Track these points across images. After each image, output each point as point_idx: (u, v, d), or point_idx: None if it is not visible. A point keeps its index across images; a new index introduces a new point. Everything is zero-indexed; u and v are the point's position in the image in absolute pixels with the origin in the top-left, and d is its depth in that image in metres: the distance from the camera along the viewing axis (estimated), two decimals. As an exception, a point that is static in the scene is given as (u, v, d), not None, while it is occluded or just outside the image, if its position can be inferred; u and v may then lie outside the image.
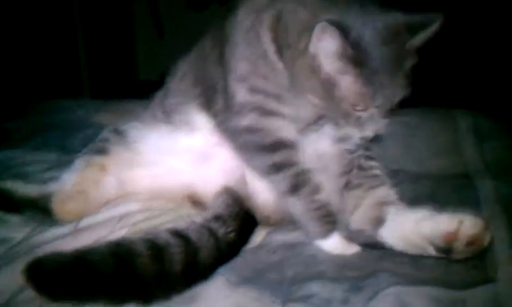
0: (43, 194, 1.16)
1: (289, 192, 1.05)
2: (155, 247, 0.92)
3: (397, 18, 0.98)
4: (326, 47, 0.94)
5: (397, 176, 1.28)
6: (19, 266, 0.88)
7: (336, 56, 0.94)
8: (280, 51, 1.05)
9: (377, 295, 0.88)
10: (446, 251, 0.93)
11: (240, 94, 1.07)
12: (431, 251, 0.95)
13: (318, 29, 0.92)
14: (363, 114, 0.99)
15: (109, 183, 1.21)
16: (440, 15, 0.99)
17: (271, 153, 1.06)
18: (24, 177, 1.35)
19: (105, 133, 1.29)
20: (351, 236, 1.05)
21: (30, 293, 0.85)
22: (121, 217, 1.17)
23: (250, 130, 1.07)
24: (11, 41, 2.80)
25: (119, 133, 1.26)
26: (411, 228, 0.97)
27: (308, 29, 0.97)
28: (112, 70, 3.89)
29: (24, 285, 0.85)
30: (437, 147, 1.43)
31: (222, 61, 1.11)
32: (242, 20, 1.08)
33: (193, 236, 0.98)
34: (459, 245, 0.92)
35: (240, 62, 1.07)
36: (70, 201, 1.15)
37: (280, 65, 1.05)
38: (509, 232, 1.03)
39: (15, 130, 1.71)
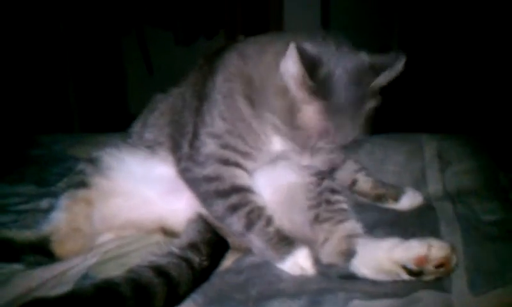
0: (41, 237, 1.17)
1: (245, 230, 1.11)
2: (140, 289, 0.96)
3: (363, 59, 1.06)
4: (290, 69, 1.01)
5: (362, 204, 1.34)
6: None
7: (299, 83, 1.01)
8: (254, 110, 1.14)
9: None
10: (418, 273, 0.99)
11: (210, 147, 1.15)
12: (404, 276, 1.00)
13: (289, 49, 0.99)
14: (322, 147, 1.07)
15: (97, 216, 1.24)
16: (402, 54, 1.06)
17: (227, 197, 1.13)
18: (1, 209, 1.40)
19: (80, 166, 1.33)
20: (323, 270, 1.09)
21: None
22: (94, 246, 1.21)
23: (209, 178, 1.15)
24: (5, 82, 2.86)
25: (93, 162, 1.29)
26: (384, 255, 1.02)
27: (279, 59, 1.04)
28: (103, 106, 3.96)
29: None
30: (404, 180, 1.48)
31: (197, 113, 1.19)
32: (220, 86, 1.17)
33: (173, 271, 1.02)
34: (429, 267, 0.98)
35: (218, 121, 1.16)
36: (68, 240, 1.18)
37: (255, 125, 1.15)
38: (465, 248, 1.10)
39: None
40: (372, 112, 1.08)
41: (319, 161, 1.12)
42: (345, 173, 1.39)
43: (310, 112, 1.03)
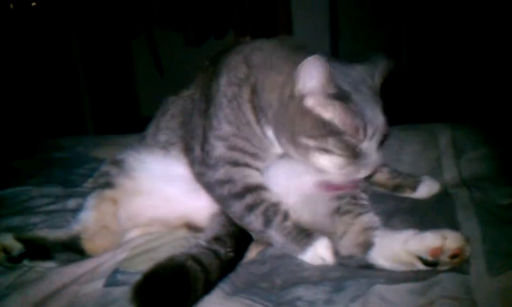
0: (72, 235, 1.23)
1: (264, 228, 1.15)
2: (185, 276, 1.02)
3: (359, 68, 1.16)
4: (309, 83, 1.07)
5: (380, 194, 1.38)
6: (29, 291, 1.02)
7: (324, 89, 1.06)
8: (258, 118, 1.19)
9: (359, 294, 0.97)
10: (433, 264, 1.02)
11: (219, 150, 1.19)
12: (420, 266, 1.03)
13: (305, 64, 1.05)
14: (361, 146, 1.11)
15: (123, 215, 1.29)
16: (387, 58, 1.19)
17: (242, 198, 1.16)
18: (30, 211, 1.45)
19: (105, 168, 1.38)
20: (343, 261, 1.12)
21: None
22: (122, 243, 1.26)
23: (221, 181, 1.18)
24: (21, 88, 2.92)
25: (117, 163, 1.34)
26: (400, 247, 1.05)
27: (290, 79, 1.11)
28: (115, 108, 4.02)
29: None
30: (420, 170, 1.52)
31: (205, 116, 1.24)
32: (225, 89, 1.21)
33: (205, 260, 1.07)
34: (444, 258, 1.01)
35: (224, 124, 1.20)
36: (98, 237, 1.24)
37: (258, 131, 1.20)
38: (482, 231, 1.13)
39: (20, 169, 1.81)
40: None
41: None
42: None
43: (339, 113, 1.08)
